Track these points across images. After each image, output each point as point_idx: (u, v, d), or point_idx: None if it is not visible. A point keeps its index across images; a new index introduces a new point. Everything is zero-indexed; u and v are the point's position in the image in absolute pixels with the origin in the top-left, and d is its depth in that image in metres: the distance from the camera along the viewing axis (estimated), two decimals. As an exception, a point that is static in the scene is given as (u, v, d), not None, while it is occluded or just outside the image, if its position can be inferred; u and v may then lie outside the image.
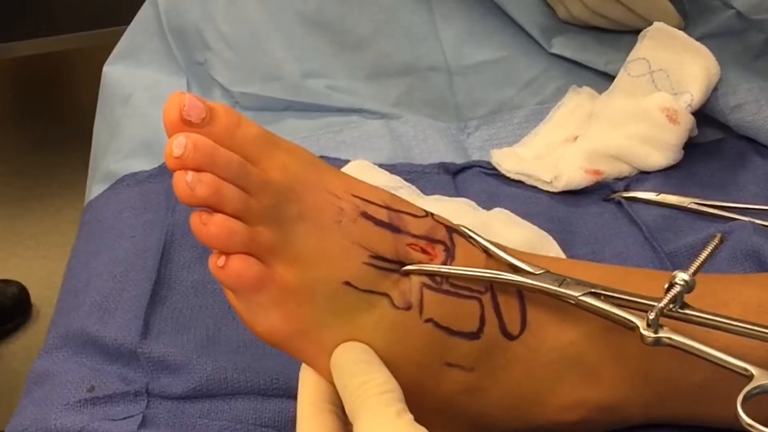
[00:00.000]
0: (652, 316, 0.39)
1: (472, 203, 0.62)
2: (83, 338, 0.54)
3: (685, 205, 0.62)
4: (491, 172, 0.68)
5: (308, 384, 0.41)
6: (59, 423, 0.49)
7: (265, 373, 0.51)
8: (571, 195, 0.64)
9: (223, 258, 0.39)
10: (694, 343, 0.38)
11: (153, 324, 0.54)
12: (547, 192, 0.65)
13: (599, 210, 0.63)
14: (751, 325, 0.39)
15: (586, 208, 0.63)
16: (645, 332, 0.39)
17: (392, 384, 0.38)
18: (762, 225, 0.59)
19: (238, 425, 0.49)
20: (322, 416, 0.39)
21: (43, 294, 1.59)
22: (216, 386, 0.50)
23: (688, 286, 0.40)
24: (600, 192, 0.65)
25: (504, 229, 0.58)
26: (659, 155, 0.65)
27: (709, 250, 0.41)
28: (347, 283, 0.40)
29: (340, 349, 0.40)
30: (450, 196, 0.64)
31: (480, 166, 0.68)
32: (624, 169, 0.65)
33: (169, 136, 0.39)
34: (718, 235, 0.42)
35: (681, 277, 0.40)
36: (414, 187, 0.64)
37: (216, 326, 0.54)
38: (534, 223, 0.60)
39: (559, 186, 0.64)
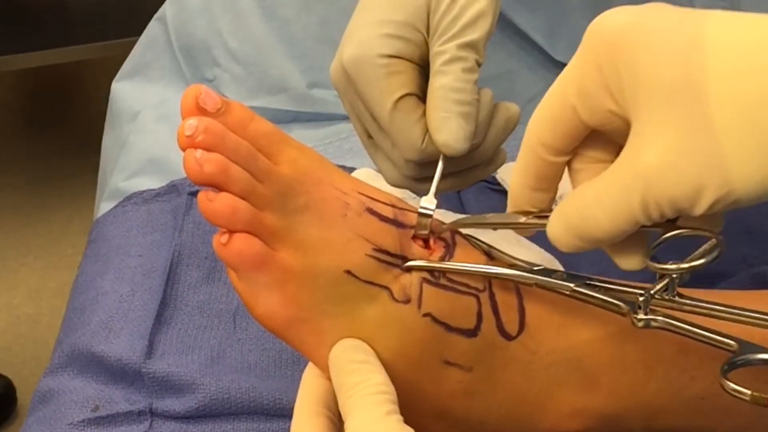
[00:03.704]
0: (642, 299, 0.40)
1: (479, 221, 0.62)
2: (88, 357, 0.54)
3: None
4: (496, 188, 0.68)
5: (308, 388, 0.41)
6: (64, 442, 0.49)
7: (268, 394, 0.51)
8: (576, 214, 0.64)
9: (226, 236, 0.39)
10: (679, 323, 0.39)
11: (158, 344, 0.55)
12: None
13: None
14: (744, 311, 0.39)
15: (591, 228, 0.63)
16: (635, 316, 0.40)
17: (388, 387, 0.38)
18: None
19: (242, 446, 0.49)
20: (316, 420, 0.39)
21: (52, 304, 1.60)
22: (219, 406, 0.51)
23: (681, 275, 0.40)
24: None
25: (510, 251, 0.58)
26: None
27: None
28: (348, 272, 0.40)
29: (339, 346, 0.40)
30: (455, 212, 0.64)
31: (485, 181, 0.68)
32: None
33: None
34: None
35: (674, 266, 0.40)
36: (419, 199, 0.64)
37: (220, 347, 0.55)
38: (539, 244, 0.59)
39: (564, 205, 0.64)
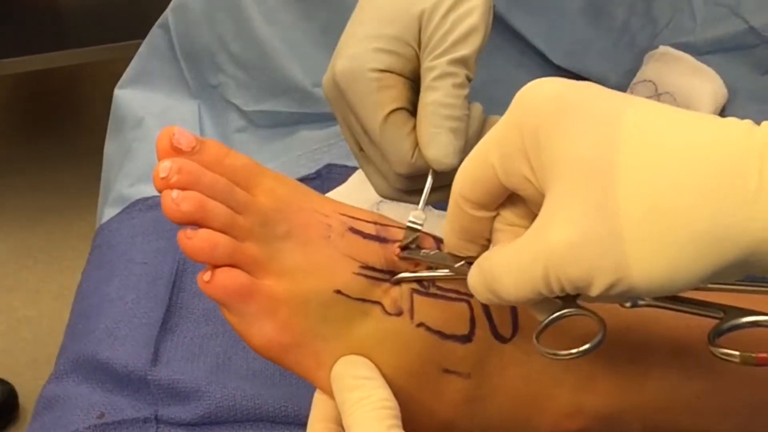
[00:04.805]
0: None
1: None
2: (93, 364, 0.54)
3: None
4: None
5: (320, 404, 0.42)
6: (69, 450, 0.49)
7: (274, 401, 0.51)
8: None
9: (209, 273, 0.39)
10: (665, 299, 0.39)
11: (163, 351, 0.55)
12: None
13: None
14: (737, 285, 0.39)
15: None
16: None
17: (390, 402, 0.39)
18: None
19: (247, 453, 0.49)
20: None
21: (53, 307, 1.60)
22: (225, 413, 0.51)
23: None
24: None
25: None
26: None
27: None
28: (338, 292, 0.41)
29: (341, 362, 0.41)
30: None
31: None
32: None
33: None
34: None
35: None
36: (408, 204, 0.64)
37: (226, 354, 0.55)
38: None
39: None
